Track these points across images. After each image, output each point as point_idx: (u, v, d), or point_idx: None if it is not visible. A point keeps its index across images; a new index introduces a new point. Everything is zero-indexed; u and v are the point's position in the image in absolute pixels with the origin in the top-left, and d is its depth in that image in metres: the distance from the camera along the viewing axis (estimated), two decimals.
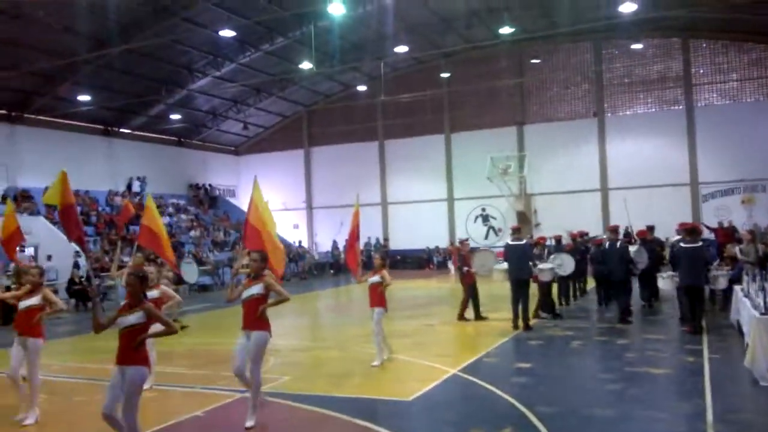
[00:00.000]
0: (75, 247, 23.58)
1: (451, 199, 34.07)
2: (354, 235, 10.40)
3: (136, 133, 32.36)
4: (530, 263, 13.06)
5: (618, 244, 13.43)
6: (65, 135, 28.69)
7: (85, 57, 23.51)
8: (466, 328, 13.67)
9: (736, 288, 11.23)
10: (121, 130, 31.66)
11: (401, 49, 27.07)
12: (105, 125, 30.86)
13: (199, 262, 26.37)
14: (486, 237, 32.72)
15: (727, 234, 21.23)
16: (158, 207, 30.91)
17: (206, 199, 35.57)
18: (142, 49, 24.28)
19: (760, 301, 8.54)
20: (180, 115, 32.36)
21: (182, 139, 35.52)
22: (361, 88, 33.91)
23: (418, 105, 33.43)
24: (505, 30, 24.76)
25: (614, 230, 13.95)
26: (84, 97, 27.05)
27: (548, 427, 6.47)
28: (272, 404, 7.74)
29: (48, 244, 22.79)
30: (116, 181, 30.78)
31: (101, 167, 30.12)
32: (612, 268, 13.20)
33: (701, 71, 29.56)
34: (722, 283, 12.53)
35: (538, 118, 32.29)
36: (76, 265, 21.70)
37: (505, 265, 13.79)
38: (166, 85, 28.75)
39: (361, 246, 33.91)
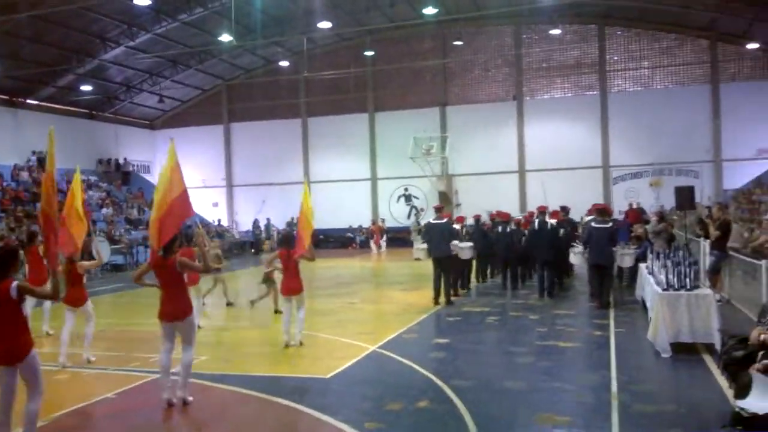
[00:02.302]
0: None
1: (374, 179, 34.13)
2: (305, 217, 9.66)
3: (44, 104, 30.57)
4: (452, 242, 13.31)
5: (548, 224, 13.82)
6: None
7: None
8: (387, 305, 13.79)
9: (642, 266, 11.80)
10: (28, 101, 29.84)
11: (325, 24, 26.69)
12: (10, 95, 28.99)
13: (112, 240, 25.39)
14: (408, 217, 33.04)
15: (637, 214, 22.25)
16: (68, 183, 29.58)
17: (118, 175, 34.14)
18: (51, 16, 22.88)
19: (662, 277, 9.01)
20: (91, 86, 30.78)
21: (93, 112, 33.85)
22: (284, 63, 33.29)
23: (342, 83, 33.18)
24: (429, 10, 24.85)
25: (543, 212, 14.32)
26: None
27: (462, 400, 6.63)
28: (189, 384, 7.57)
29: None
30: (22, 154, 29.03)
31: (6, 140, 28.31)
32: (542, 248, 13.59)
33: (615, 58, 30.70)
34: (628, 262, 13.13)
35: (460, 99, 32.71)
36: None
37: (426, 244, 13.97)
38: (76, 55, 27.27)
39: (283, 225, 33.79)
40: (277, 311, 12.74)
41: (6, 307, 5.18)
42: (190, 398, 6.95)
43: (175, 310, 6.82)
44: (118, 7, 24.22)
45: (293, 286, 9.51)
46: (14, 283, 5.20)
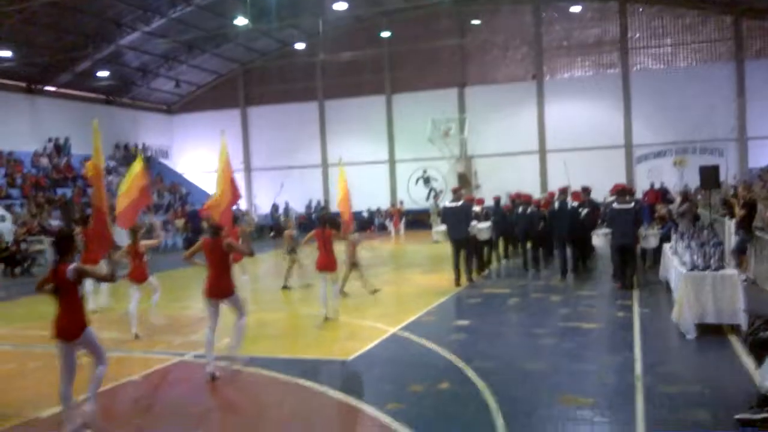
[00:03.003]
0: None
1: (392, 161, 34.01)
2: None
3: (62, 90, 30.78)
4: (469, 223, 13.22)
5: (569, 205, 13.63)
6: None
7: (5, 10, 22.03)
8: (407, 288, 13.75)
9: (665, 246, 11.62)
10: (46, 87, 30.04)
11: (340, 6, 26.44)
12: (28, 82, 29.22)
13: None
14: (427, 199, 32.92)
15: (657, 195, 21.96)
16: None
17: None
18: (67, 2, 22.93)
19: (687, 258, 8.85)
20: (108, 71, 30.87)
21: (111, 97, 34.01)
22: (300, 46, 33.12)
23: (358, 65, 32.98)
24: None
25: (565, 192, 14.11)
26: (5, 53, 25.46)
27: (484, 381, 6.58)
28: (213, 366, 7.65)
29: None
30: (40, 141, 29.30)
31: (25, 127, 28.61)
32: (563, 229, 13.42)
33: (637, 35, 30.15)
34: (652, 243, 12.95)
35: (479, 80, 32.37)
36: None
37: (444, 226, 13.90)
38: (93, 40, 27.33)
39: (302, 209, 33.89)
40: (285, 287, 13.36)
41: (64, 288, 5.56)
42: (238, 364, 7.42)
43: (222, 288, 7.32)
44: None
45: (329, 263, 10.11)
46: (71, 266, 5.57)
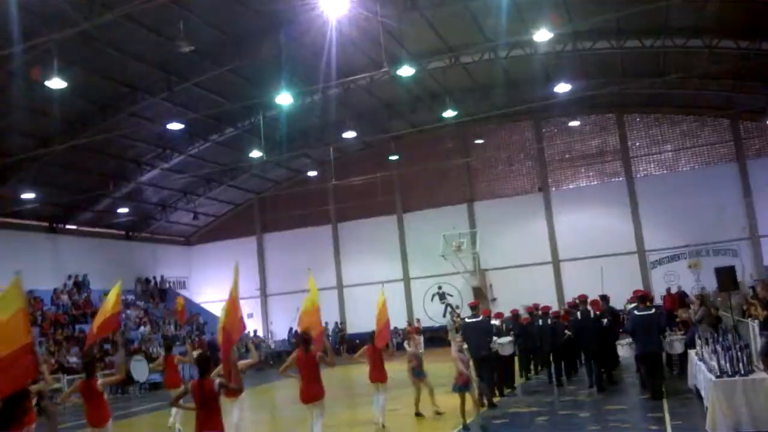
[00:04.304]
0: None
1: (407, 279, 34.08)
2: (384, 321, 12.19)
3: (83, 228, 31.64)
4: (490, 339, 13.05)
5: (591, 314, 13.45)
6: (7, 233, 27.78)
7: (29, 155, 23.11)
8: (431, 410, 13.35)
9: (691, 352, 11.39)
10: (67, 226, 30.92)
11: (349, 134, 27.63)
12: (50, 222, 30.12)
13: (149, 358, 25.38)
14: (444, 315, 32.61)
15: (675, 299, 21.68)
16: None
17: (156, 292, 34.64)
18: (88, 145, 24.09)
19: (714, 364, 8.68)
20: (128, 208, 31.88)
21: (130, 233, 34.86)
22: (312, 173, 34.28)
23: (369, 187, 33.84)
24: (448, 113, 25.69)
25: (585, 300, 13.94)
26: (28, 195, 26.40)
27: None
28: None
29: None
30: (60, 278, 29.75)
31: (46, 265, 29.08)
32: (587, 339, 13.18)
33: (637, 144, 31.02)
34: (678, 348, 12.71)
35: (487, 195, 33.08)
36: None
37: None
38: (113, 179, 28.41)
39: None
40: (418, 414, 12.56)
41: (210, 399, 6.60)
42: None
43: (316, 394, 8.74)
44: (152, 132, 25.48)
45: (381, 376, 11.59)
46: (217, 380, 6.74)
